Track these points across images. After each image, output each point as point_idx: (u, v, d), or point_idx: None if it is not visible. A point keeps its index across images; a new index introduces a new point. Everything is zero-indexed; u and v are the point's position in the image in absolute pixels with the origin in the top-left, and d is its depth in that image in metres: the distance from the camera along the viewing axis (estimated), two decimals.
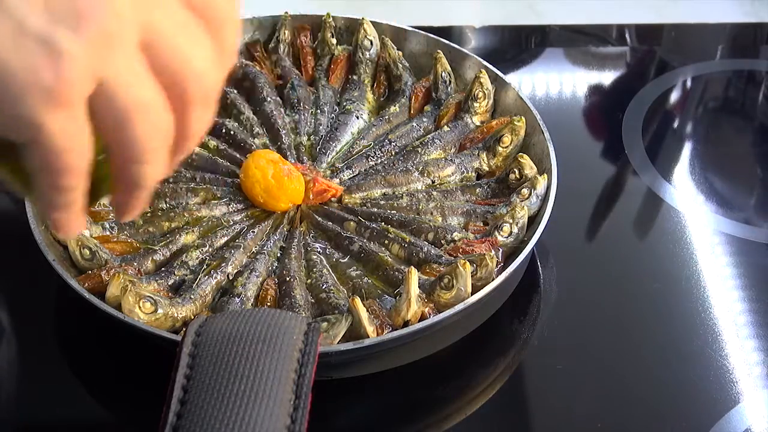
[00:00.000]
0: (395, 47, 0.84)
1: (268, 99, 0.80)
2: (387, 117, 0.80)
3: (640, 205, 0.81)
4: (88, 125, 0.35)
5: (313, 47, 0.86)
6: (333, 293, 0.64)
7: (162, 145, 0.37)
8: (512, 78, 0.89)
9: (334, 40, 0.85)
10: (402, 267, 0.65)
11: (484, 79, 0.78)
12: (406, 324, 0.61)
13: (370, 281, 0.65)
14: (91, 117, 0.35)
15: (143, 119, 0.36)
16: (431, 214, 0.70)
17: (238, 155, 0.75)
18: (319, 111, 0.80)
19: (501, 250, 0.66)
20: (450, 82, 0.81)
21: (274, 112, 0.79)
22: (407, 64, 0.83)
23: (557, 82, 0.95)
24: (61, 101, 0.33)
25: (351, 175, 0.75)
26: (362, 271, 0.66)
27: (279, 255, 0.68)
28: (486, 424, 0.62)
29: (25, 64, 0.32)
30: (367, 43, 0.83)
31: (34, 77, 0.33)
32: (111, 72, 0.34)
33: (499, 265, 0.65)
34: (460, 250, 0.66)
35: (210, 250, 0.67)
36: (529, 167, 0.72)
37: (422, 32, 0.85)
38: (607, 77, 0.98)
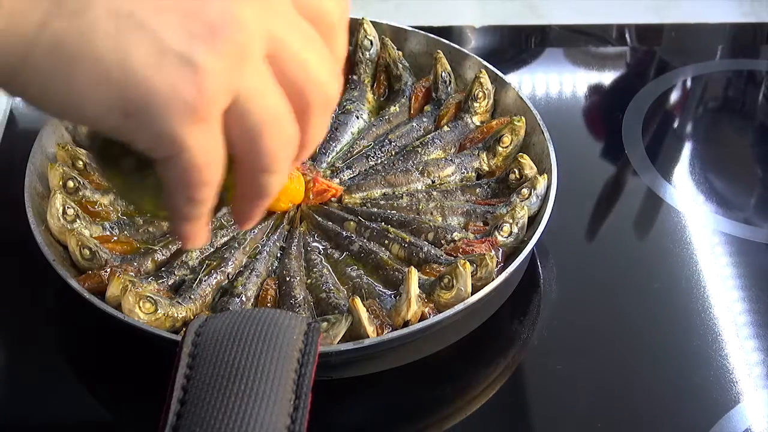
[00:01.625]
0: (395, 47, 0.83)
1: None
2: (387, 117, 0.80)
3: (640, 205, 0.81)
4: (222, 139, 0.36)
5: None
6: (333, 293, 0.64)
7: (290, 154, 0.38)
8: (512, 78, 0.89)
9: None
10: (402, 267, 0.65)
11: (484, 79, 0.78)
12: (406, 324, 0.61)
13: (370, 281, 0.65)
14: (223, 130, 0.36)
15: (274, 130, 0.36)
16: (431, 214, 0.70)
17: None
18: None
19: (501, 250, 0.66)
20: (450, 82, 0.81)
21: None
22: (407, 64, 0.83)
23: (557, 82, 0.95)
24: (201, 117, 0.34)
25: (351, 175, 0.75)
26: (362, 271, 0.66)
27: (279, 255, 0.68)
28: (486, 424, 0.62)
29: (167, 82, 0.33)
30: (367, 43, 0.83)
31: (176, 95, 0.33)
32: (244, 85, 0.35)
33: (499, 265, 0.65)
34: (460, 250, 0.66)
35: (210, 249, 0.67)
36: (529, 167, 0.72)
37: (422, 32, 0.85)
38: (607, 77, 0.98)
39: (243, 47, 0.34)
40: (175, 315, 0.61)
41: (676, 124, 0.92)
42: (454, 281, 0.61)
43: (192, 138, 0.34)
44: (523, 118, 0.75)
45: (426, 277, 0.64)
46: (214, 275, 0.65)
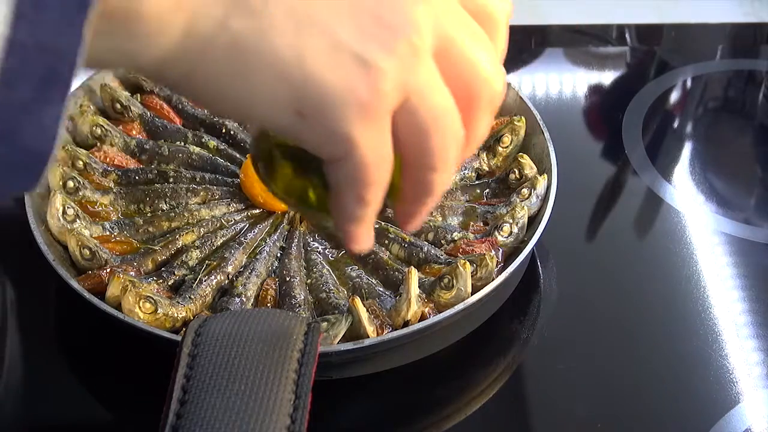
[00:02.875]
0: None
1: None
2: None
3: (640, 205, 0.81)
4: (391, 138, 0.36)
5: None
6: (333, 293, 0.64)
7: (457, 152, 0.37)
8: (512, 78, 0.89)
9: None
10: (402, 267, 0.65)
11: None
12: (406, 324, 0.61)
13: (370, 281, 0.65)
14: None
15: (443, 128, 0.36)
16: (431, 213, 0.70)
17: (238, 155, 0.75)
18: None
19: (501, 250, 0.66)
20: None
21: None
22: None
23: (557, 82, 0.95)
24: (374, 116, 0.34)
25: None
26: (362, 271, 0.66)
27: (279, 255, 0.68)
28: (486, 424, 0.62)
29: (342, 81, 0.33)
30: None
31: (350, 94, 0.33)
32: (415, 84, 0.34)
33: (499, 265, 0.65)
34: (460, 250, 0.66)
35: (210, 250, 0.67)
36: (529, 167, 0.72)
37: None
38: (607, 77, 0.98)
39: (416, 46, 0.34)
40: (175, 315, 0.61)
41: (676, 124, 0.92)
42: (454, 281, 0.61)
43: (363, 137, 0.34)
44: (523, 118, 0.75)
45: (426, 277, 0.64)
46: (214, 275, 0.65)
